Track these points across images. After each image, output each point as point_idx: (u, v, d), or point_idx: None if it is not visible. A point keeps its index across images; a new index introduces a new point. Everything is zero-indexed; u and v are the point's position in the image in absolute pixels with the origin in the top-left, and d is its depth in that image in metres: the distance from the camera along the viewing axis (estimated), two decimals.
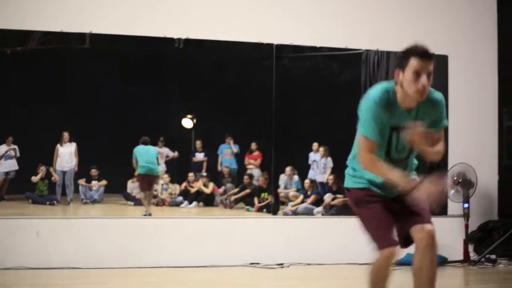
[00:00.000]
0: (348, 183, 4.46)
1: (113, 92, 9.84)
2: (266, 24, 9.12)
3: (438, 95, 4.22)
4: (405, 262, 8.67)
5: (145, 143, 9.86)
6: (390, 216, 4.30)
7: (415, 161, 4.42)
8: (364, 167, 4.20)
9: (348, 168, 4.48)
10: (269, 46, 9.19)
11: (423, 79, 3.98)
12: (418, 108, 4.11)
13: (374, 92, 4.12)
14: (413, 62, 3.98)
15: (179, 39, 8.94)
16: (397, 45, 9.40)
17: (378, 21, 9.48)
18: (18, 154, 9.42)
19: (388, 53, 9.68)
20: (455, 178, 9.23)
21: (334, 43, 9.42)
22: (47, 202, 9.68)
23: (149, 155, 9.91)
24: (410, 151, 4.24)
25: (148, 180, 9.96)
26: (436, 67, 9.90)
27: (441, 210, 9.45)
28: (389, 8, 9.54)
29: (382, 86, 4.15)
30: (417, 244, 4.22)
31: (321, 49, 9.46)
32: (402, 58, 4.05)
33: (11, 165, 9.45)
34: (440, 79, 9.55)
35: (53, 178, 9.71)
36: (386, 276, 4.44)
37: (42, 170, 9.69)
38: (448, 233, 9.31)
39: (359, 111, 4.17)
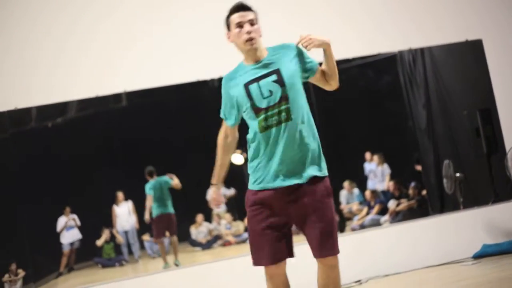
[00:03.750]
0: (249, 183, 4.51)
1: (160, 143, 9.86)
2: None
3: (288, 43, 4.41)
4: (483, 254, 8.61)
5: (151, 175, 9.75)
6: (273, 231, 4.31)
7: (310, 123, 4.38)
8: None
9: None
10: None
11: (246, 27, 4.25)
12: (267, 59, 4.28)
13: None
14: (233, 18, 4.28)
15: (212, 80, 8.98)
16: (429, 39, 9.50)
17: (404, 18, 9.39)
18: (79, 223, 9.50)
19: (422, 49, 9.59)
20: None
21: (365, 51, 9.36)
22: (116, 264, 9.73)
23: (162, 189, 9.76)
24: (283, 94, 4.21)
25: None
26: (472, 53, 9.86)
27: (508, 194, 9.29)
28: (412, 3, 9.45)
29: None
30: (320, 273, 4.51)
31: (354, 60, 9.41)
32: (226, 21, 4.37)
33: (74, 235, 9.53)
34: (479, 64, 9.45)
35: (117, 240, 9.77)
36: None
37: (105, 233, 9.76)
38: None
39: None
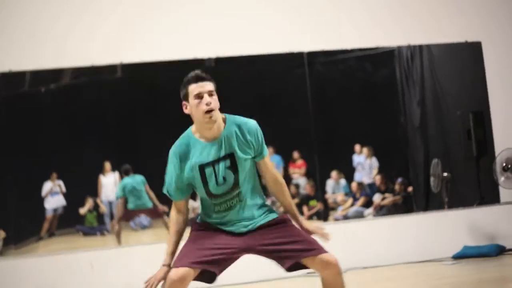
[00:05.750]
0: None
1: (151, 117, 9.83)
2: (293, 33, 9.10)
3: (250, 123, 4.21)
4: (462, 255, 8.64)
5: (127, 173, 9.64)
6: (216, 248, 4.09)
7: (258, 200, 4.25)
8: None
9: None
10: (300, 54, 9.17)
11: (206, 98, 4.05)
12: (223, 138, 4.11)
13: (173, 146, 4.18)
14: (191, 88, 4.09)
15: (209, 59, 8.97)
16: (429, 37, 9.50)
17: (405, 14, 9.39)
18: (64, 190, 9.49)
19: (421, 46, 9.59)
20: (504, 164, 9.07)
21: (364, 44, 9.36)
22: (98, 233, 9.74)
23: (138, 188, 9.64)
24: (235, 181, 4.12)
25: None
26: (470, 54, 9.86)
27: (493, 198, 9.33)
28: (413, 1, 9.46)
29: (181, 137, 4.22)
30: (324, 275, 4.16)
31: (352, 51, 9.41)
32: (182, 90, 4.16)
33: (58, 201, 9.51)
34: (476, 66, 9.46)
35: (100, 209, 9.77)
36: None
37: (89, 202, 9.75)
38: (503, 221, 9.18)
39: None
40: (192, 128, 4.20)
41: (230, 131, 4.14)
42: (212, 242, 4.09)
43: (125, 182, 9.56)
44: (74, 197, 9.61)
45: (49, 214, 9.51)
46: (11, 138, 8.88)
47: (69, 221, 9.75)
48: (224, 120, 4.18)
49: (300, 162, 10.81)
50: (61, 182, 9.48)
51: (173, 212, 4.25)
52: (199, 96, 4.08)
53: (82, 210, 9.78)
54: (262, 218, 4.20)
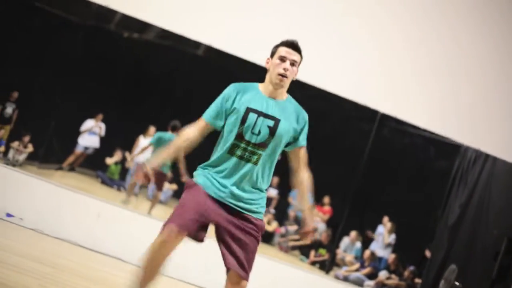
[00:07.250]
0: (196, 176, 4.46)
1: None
2: (376, 90, 9.05)
3: (305, 112, 4.45)
4: None
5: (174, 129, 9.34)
6: (202, 212, 4.22)
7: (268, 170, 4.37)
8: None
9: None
10: (374, 112, 9.11)
11: (286, 64, 4.31)
12: (279, 103, 4.35)
13: (236, 83, 4.43)
14: (281, 49, 4.35)
15: None
16: (500, 151, 9.37)
17: (487, 120, 9.28)
18: (103, 133, 9.56)
19: (488, 155, 9.47)
20: None
21: (437, 129, 9.28)
22: (115, 186, 9.77)
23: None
24: (266, 141, 4.28)
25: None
26: None
27: None
28: (499, 112, 9.36)
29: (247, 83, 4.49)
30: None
31: (424, 130, 9.34)
32: (273, 48, 4.41)
33: (93, 141, 9.59)
34: None
35: (126, 163, 9.80)
36: (159, 261, 4.28)
37: (118, 154, 9.80)
38: None
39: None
40: (260, 84, 4.44)
41: (287, 105, 4.39)
42: (199, 209, 4.22)
43: (164, 134, 9.50)
44: (108, 145, 9.69)
45: (78, 150, 9.59)
46: (80, 64, 8.99)
47: (93, 165, 9.83)
48: (286, 97, 4.43)
49: (327, 208, 10.76)
50: (103, 125, 9.55)
51: (189, 128, 4.43)
52: (282, 59, 4.33)
53: (109, 160, 9.84)
54: (248, 207, 4.32)
